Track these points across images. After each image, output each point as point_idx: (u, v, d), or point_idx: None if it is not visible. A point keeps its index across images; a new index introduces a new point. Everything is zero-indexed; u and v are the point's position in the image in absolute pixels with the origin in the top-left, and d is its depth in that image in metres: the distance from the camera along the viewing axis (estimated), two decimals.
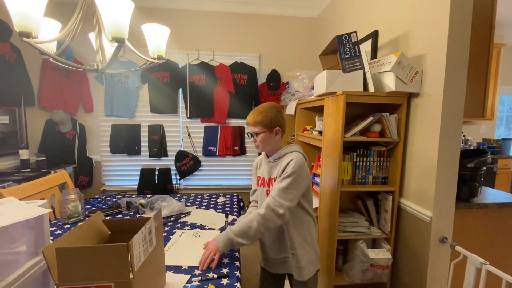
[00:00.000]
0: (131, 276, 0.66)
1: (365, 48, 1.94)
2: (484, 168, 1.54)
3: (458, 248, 1.29)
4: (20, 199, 1.45)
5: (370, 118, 1.53)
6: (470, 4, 1.28)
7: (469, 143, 3.61)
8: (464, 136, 3.75)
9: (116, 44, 1.05)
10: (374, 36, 1.87)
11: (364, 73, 1.53)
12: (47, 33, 1.19)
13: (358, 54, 1.54)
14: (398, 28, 1.64)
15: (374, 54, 1.88)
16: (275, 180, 1.19)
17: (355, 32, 1.53)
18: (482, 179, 1.55)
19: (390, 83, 1.47)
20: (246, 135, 1.20)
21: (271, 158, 1.22)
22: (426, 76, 1.41)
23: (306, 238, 1.21)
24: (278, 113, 1.18)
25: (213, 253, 1.06)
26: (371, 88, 1.51)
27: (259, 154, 1.36)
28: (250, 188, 1.41)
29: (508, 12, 3.08)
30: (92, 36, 1.34)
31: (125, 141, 2.92)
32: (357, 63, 1.54)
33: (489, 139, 3.95)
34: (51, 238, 1.27)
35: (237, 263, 1.09)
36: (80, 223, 1.44)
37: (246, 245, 1.10)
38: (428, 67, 1.40)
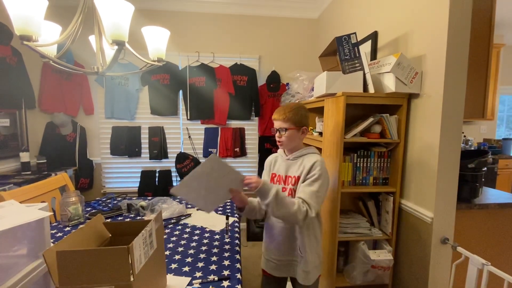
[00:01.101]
0: (131, 278, 0.66)
1: (365, 49, 1.94)
2: (485, 168, 1.54)
3: (459, 249, 1.28)
4: (21, 202, 1.45)
5: (370, 119, 1.53)
6: (470, 4, 1.28)
7: (469, 143, 3.60)
8: (464, 136, 3.74)
9: (116, 47, 1.05)
10: (373, 37, 1.88)
11: (364, 74, 1.54)
12: (48, 36, 1.19)
13: (357, 55, 1.54)
14: (398, 29, 1.64)
15: (373, 55, 1.88)
16: (293, 179, 1.18)
17: (355, 33, 1.54)
18: (483, 180, 1.55)
19: (390, 84, 1.47)
20: (271, 131, 1.20)
21: (291, 156, 1.21)
22: (426, 76, 1.41)
23: (313, 242, 1.20)
24: (307, 114, 1.20)
25: (252, 184, 1.03)
26: (371, 89, 1.51)
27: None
28: None
29: (508, 12, 3.08)
30: (92, 39, 1.34)
31: (125, 143, 2.93)
32: (357, 64, 1.54)
33: (490, 139, 3.94)
34: (51, 240, 1.27)
35: (237, 265, 1.09)
36: (80, 226, 1.44)
37: (265, 207, 1.06)
38: (428, 67, 1.40)
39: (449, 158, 1.34)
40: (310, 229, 1.19)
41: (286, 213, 1.04)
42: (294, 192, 1.17)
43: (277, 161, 1.28)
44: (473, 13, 1.29)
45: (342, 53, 1.54)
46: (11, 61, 2.38)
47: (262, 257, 1.33)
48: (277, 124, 1.18)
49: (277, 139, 1.19)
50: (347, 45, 1.54)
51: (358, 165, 1.61)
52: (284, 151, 1.26)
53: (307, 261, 1.18)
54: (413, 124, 1.51)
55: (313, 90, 1.96)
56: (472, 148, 3.59)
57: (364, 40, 1.98)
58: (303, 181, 1.13)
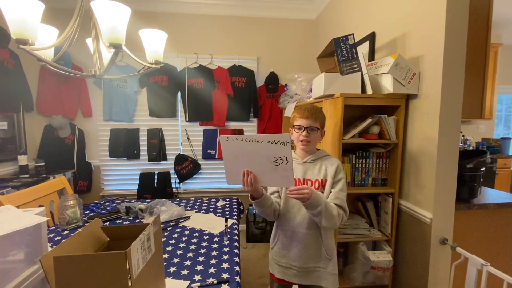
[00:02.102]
0: (129, 283, 0.65)
1: (363, 50, 1.94)
2: (483, 168, 1.54)
3: (458, 249, 1.28)
4: (19, 206, 1.45)
5: (369, 120, 1.53)
6: (466, 5, 1.28)
7: (468, 143, 3.61)
8: (463, 136, 3.75)
9: (113, 50, 1.05)
10: (371, 38, 1.88)
11: (362, 75, 1.54)
12: (44, 39, 1.19)
13: (355, 56, 1.54)
14: (395, 30, 1.64)
15: (371, 56, 1.88)
16: (315, 182, 1.16)
17: (352, 34, 1.54)
18: (482, 180, 1.55)
19: (388, 85, 1.47)
20: (294, 129, 1.16)
21: (308, 158, 1.19)
22: (424, 77, 1.42)
23: (334, 243, 1.21)
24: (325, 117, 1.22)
25: (304, 197, 1.00)
26: (369, 90, 1.51)
27: None
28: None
29: (506, 11, 3.09)
30: (89, 42, 1.34)
31: (124, 146, 2.92)
32: (355, 65, 1.54)
33: (488, 138, 3.95)
34: (50, 244, 1.26)
35: (237, 268, 1.09)
36: (78, 230, 1.44)
37: (316, 216, 1.05)
38: (425, 68, 1.41)
39: (448, 158, 1.34)
40: (332, 230, 1.21)
41: (331, 220, 1.05)
42: None
43: None
44: (470, 13, 1.30)
45: (339, 54, 1.54)
46: (8, 64, 2.38)
47: (273, 264, 1.25)
48: (306, 122, 1.12)
49: (302, 138, 1.14)
50: (344, 46, 1.54)
51: (356, 166, 1.61)
52: (295, 153, 1.23)
53: (334, 263, 1.17)
54: (411, 124, 1.51)
55: (311, 91, 1.96)
56: (471, 148, 3.59)
57: (362, 41, 1.98)
58: (332, 186, 1.14)
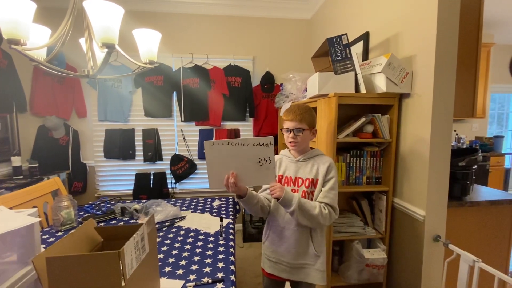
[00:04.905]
0: (123, 284, 0.65)
1: (357, 49, 1.95)
2: (475, 166, 1.56)
3: (451, 246, 1.30)
4: (12, 207, 1.44)
5: (363, 119, 1.55)
6: (457, 5, 1.30)
7: (461, 141, 3.65)
8: (457, 134, 3.80)
9: (106, 50, 1.05)
10: (365, 37, 1.89)
11: (356, 75, 1.55)
12: (37, 39, 1.18)
13: (349, 56, 1.55)
14: (389, 30, 1.66)
15: (365, 55, 1.90)
16: (306, 181, 1.17)
17: (346, 34, 1.55)
18: (474, 177, 1.58)
19: (381, 84, 1.48)
20: (283, 132, 1.19)
21: (300, 157, 1.21)
22: (416, 76, 1.43)
23: (323, 240, 1.22)
24: (315, 115, 1.22)
25: (276, 193, 1.06)
26: (363, 90, 1.52)
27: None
28: None
29: (497, 11, 3.13)
30: (82, 41, 1.33)
31: (119, 146, 2.90)
32: (348, 65, 1.55)
33: (482, 137, 4.00)
34: (43, 246, 1.25)
35: (232, 267, 1.09)
36: (72, 231, 1.43)
37: (290, 214, 1.10)
38: (418, 68, 1.42)
39: (440, 156, 1.36)
40: (324, 227, 1.22)
41: (310, 218, 1.08)
42: (308, 194, 1.16)
43: (282, 162, 1.26)
44: (461, 14, 1.31)
45: (333, 54, 1.55)
46: (1, 64, 2.35)
47: (264, 259, 1.28)
48: (292, 124, 1.15)
49: (290, 139, 1.17)
50: (338, 46, 1.55)
51: (351, 165, 1.62)
52: (290, 152, 1.25)
53: (323, 260, 1.18)
54: (404, 123, 1.53)
55: (306, 91, 1.97)
56: (465, 146, 3.64)
57: (356, 41, 2.00)
58: (322, 184, 1.15)
